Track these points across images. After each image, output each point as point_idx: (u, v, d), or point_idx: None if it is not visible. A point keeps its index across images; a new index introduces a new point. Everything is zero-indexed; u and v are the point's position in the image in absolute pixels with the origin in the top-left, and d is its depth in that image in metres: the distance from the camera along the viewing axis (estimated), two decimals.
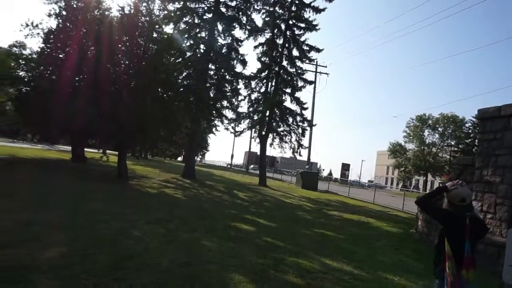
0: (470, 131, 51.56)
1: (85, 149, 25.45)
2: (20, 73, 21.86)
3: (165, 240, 6.24)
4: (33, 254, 4.53)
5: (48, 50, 20.11)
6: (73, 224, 6.40)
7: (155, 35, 17.30)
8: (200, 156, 75.89)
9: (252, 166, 57.24)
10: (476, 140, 50.06)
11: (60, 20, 19.40)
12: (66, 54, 19.58)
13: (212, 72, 21.89)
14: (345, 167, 60.56)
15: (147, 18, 16.83)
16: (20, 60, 21.68)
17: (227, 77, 22.16)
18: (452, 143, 53.73)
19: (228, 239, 6.97)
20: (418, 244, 9.30)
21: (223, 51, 22.02)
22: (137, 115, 14.19)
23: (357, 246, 8.07)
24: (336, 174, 73.67)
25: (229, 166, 63.10)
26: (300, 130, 24.53)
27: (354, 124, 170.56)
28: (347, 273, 5.73)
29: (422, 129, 54.34)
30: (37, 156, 22.31)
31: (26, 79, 21.02)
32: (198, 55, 21.43)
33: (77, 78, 17.29)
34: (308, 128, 25.63)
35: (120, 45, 16.85)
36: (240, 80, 22.92)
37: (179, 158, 74.66)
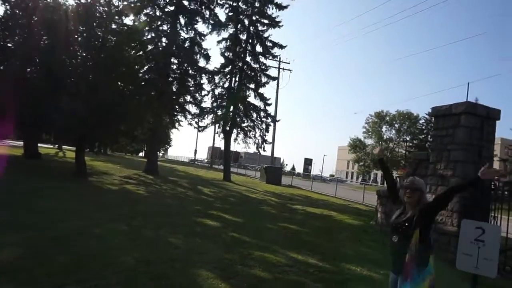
0: (423, 127, 54.45)
1: (39, 145, 24.08)
2: None
3: (129, 238, 6.08)
4: None
5: None
6: (29, 224, 6.06)
7: (114, 26, 16.64)
8: (163, 152, 74.30)
9: (213, 161, 56.96)
10: (429, 136, 52.99)
11: (8, 6, 18.14)
12: (16, 43, 18.37)
13: (174, 66, 21.46)
14: (308, 162, 61.75)
15: (106, 9, 16.13)
16: None
17: (190, 71, 21.81)
18: (407, 138, 56.53)
19: (194, 235, 6.91)
20: (378, 235, 9.70)
21: (186, 45, 21.63)
22: (97, 109, 13.61)
23: (320, 239, 8.29)
24: (299, 169, 75.09)
25: (192, 162, 62.38)
26: (264, 126, 24.73)
27: (316, 120, 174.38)
28: (312, 265, 5.88)
29: (380, 125, 56.69)
30: None
31: None
32: (160, 48, 20.91)
33: (29, 70, 16.25)
34: (272, 124, 25.90)
35: (76, 36, 16.04)
36: (203, 75, 22.63)
37: (140, 154, 72.61)
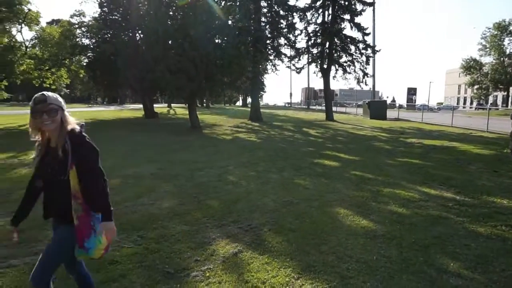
0: None
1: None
2: (85, 41, 22.95)
3: (260, 182, 6.52)
4: (155, 204, 5.03)
5: (104, 14, 20.69)
6: (173, 175, 6.93)
7: None
8: (259, 98, 76.41)
9: (309, 102, 56.42)
10: None
11: None
12: (122, 14, 19.98)
13: (265, 10, 21.04)
14: (412, 92, 57.15)
15: None
16: (82, 28, 22.64)
17: (281, 12, 21.19)
18: None
19: (318, 176, 7.09)
20: None
21: None
22: (201, 65, 14.33)
23: (449, 171, 7.75)
24: (400, 101, 69.92)
25: (288, 105, 62.84)
26: (363, 58, 23.22)
27: (419, 45, 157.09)
28: (450, 199, 5.57)
29: (501, 38, 48.08)
30: (115, 117, 24.06)
31: (91, 46, 22.07)
32: None
33: (138, 38, 17.71)
34: (372, 55, 24.08)
35: None
36: (294, 14, 21.85)
37: (238, 103, 75.74)
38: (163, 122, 21.25)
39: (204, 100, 42.86)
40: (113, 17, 20.70)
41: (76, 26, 22.35)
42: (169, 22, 15.78)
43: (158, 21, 13.98)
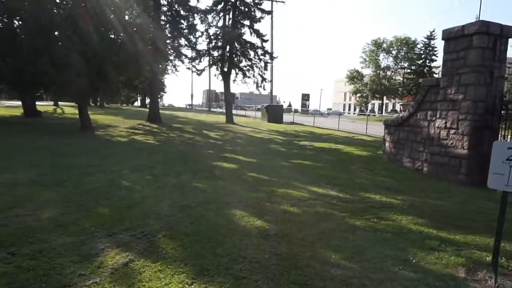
0: (421, 51, 53.24)
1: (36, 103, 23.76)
2: None
3: (157, 186, 6.29)
4: (33, 214, 4.44)
5: None
6: (58, 181, 6.23)
7: None
8: (159, 99, 73.61)
9: (210, 104, 56.85)
10: (427, 61, 52.05)
11: None
12: None
13: (165, 8, 20.43)
14: (305, 97, 61.69)
15: None
16: None
17: (182, 12, 20.83)
18: (405, 65, 55.54)
19: (216, 179, 7.15)
20: (388, 164, 10.05)
21: None
22: (93, 60, 13.22)
23: (335, 171, 8.59)
24: (295, 105, 75.06)
25: (189, 107, 62.11)
26: (262, 64, 24.28)
27: (312, 54, 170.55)
28: (334, 197, 6.16)
29: (377, 54, 55.31)
30: None
31: None
32: None
33: (16, 25, 15.46)
34: (270, 61, 25.31)
35: None
36: (196, 15, 21.70)
37: (136, 103, 72.04)
38: (48, 122, 19.00)
39: (98, 99, 39.61)
40: None
41: None
42: (55, 11, 14.19)
43: (41, 8, 12.43)
